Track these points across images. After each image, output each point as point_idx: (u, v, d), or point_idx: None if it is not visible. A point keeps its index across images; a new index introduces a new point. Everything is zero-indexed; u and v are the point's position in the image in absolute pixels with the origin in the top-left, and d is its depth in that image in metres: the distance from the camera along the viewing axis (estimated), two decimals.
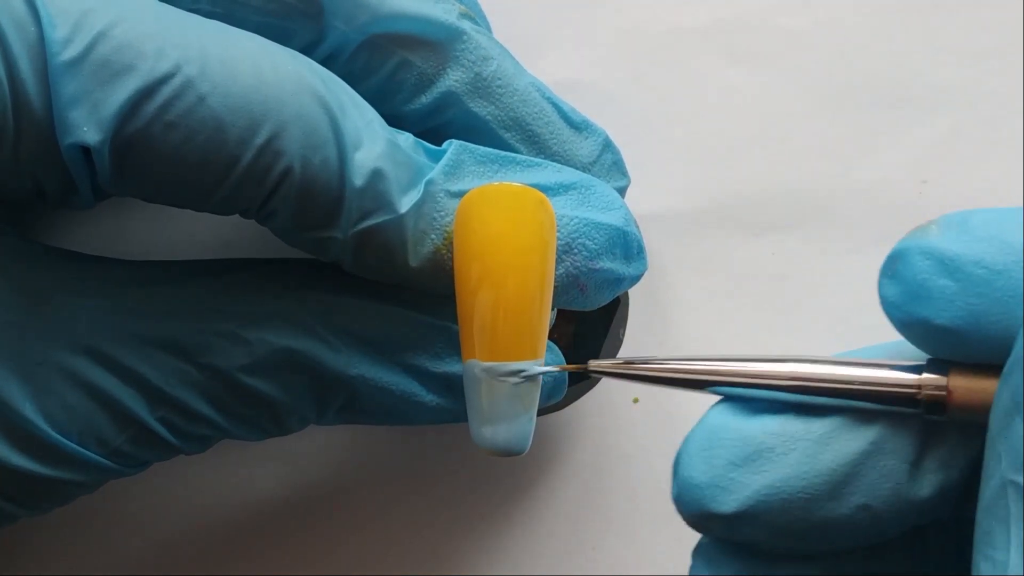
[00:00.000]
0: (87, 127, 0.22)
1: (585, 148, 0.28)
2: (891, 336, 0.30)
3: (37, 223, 0.31)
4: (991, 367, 0.20)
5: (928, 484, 0.21)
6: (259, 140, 0.22)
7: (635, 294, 0.31)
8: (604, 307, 0.28)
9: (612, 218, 0.26)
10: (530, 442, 0.24)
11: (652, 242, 0.33)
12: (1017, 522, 0.17)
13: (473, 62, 0.26)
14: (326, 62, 0.25)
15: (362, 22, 0.25)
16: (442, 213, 0.24)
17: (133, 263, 0.26)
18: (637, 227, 0.27)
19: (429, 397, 0.26)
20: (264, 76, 0.23)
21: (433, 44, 0.26)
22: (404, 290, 0.25)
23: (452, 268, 0.24)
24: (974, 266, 0.19)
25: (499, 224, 0.23)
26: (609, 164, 0.28)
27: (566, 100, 0.28)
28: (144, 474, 0.26)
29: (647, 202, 0.33)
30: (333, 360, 0.25)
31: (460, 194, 0.24)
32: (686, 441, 0.22)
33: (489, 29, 0.28)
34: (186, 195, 0.23)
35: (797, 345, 0.33)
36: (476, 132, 0.26)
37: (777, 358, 0.21)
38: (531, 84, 0.27)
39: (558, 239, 0.25)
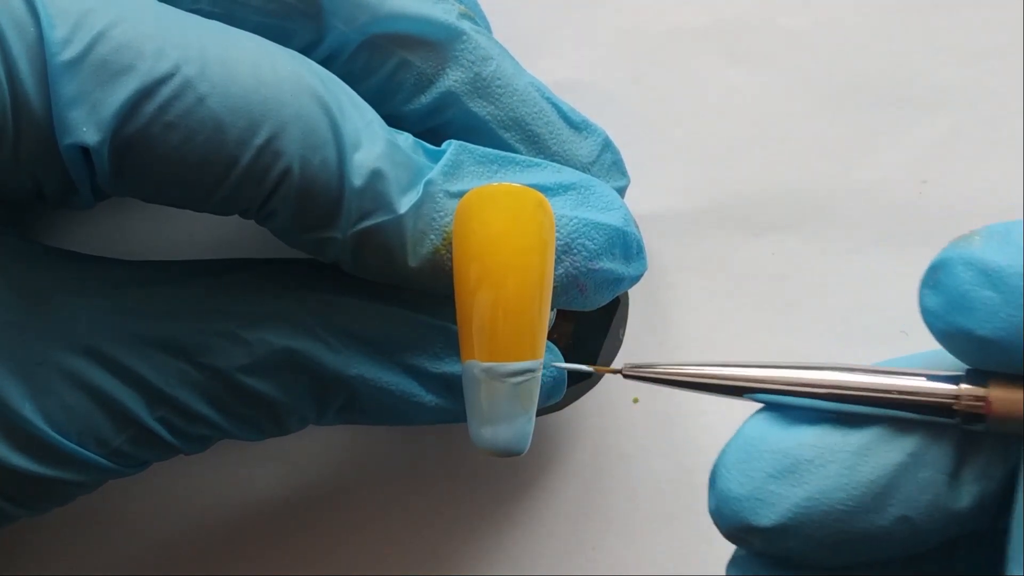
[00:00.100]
0: (86, 127, 0.22)
1: (585, 148, 0.28)
2: (891, 336, 0.30)
3: (37, 223, 0.31)
4: None
5: (967, 495, 0.21)
6: (258, 140, 0.22)
7: (635, 294, 0.31)
8: (604, 307, 0.28)
9: (612, 218, 0.26)
10: (529, 442, 0.24)
11: (652, 242, 0.33)
12: None
13: (473, 62, 0.26)
14: (326, 62, 0.25)
15: (362, 22, 0.25)
16: (441, 213, 0.24)
17: (133, 263, 0.26)
18: (637, 227, 0.27)
19: (428, 397, 0.26)
20: (263, 76, 0.23)
21: (433, 44, 0.26)
22: (403, 290, 0.25)
23: (451, 268, 0.24)
24: (1017, 277, 0.19)
25: (498, 224, 0.23)
26: (609, 164, 0.28)
27: (566, 100, 0.28)
28: (144, 474, 0.26)
29: (647, 202, 0.33)
30: (333, 360, 0.25)
31: (459, 194, 0.24)
32: (723, 453, 0.22)
33: (489, 29, 0.28)
34: (185, 195, 0.23)
35: (797, 345, 0.32)
36: (476, 132, 0.26)
37: (814, 366, 0.21)
38: (531, 84, 0.27)
39: (557, 239, 0.25)
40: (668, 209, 0.33)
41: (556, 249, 0.25)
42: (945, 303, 0.20)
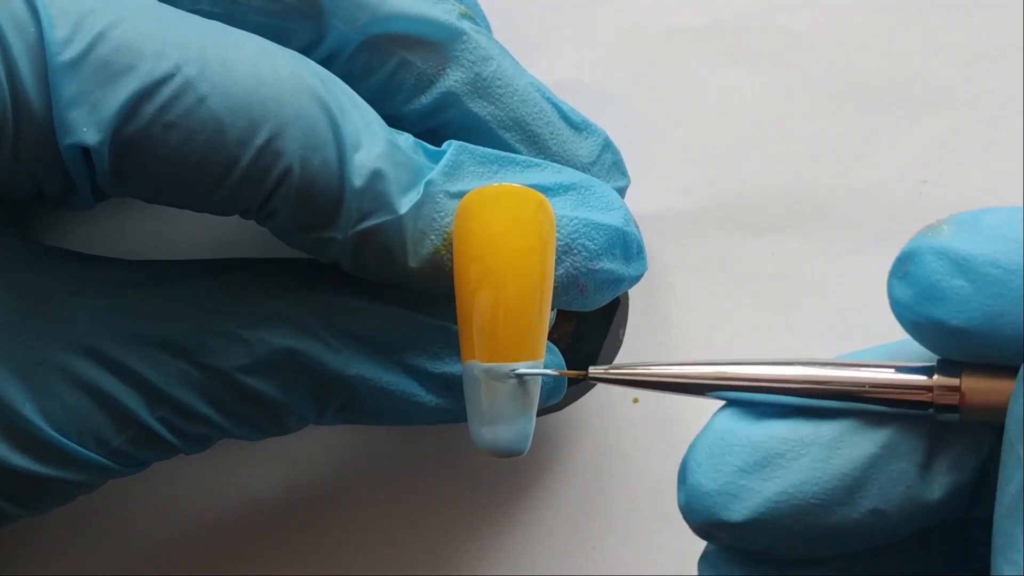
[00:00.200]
0: (87, 127, 0.22)
1: (585, 148, 0.28)
2: (890, 335, 0.30)
3: (37, 223, 0.31)
4: (1003, 368, 0.19)
5: (939, 486, 0.20)
6: (259, 141, 0.22)
7: (635, 294, 0.31)
8: (604, 307, 0.28)
9: (612, 218, 0.26)
10: (529, 443, 0.24)
11: (652, 242, 0.33)
12: None
13: (473, 62, 0.26)
14: (326, 62, 0.25)
15: (362, 22, 0.25)
16: (441, 214, 0.24)
17: (133, 263, 0.26)
18: (637, 227, 0.27)
19: (428, 397, 0.26)
20: (264, 77, 0.23)
21: (433, 44, 0.26)
22: (403, 290, 0.25)
23: (451, 268, 0.24)
24: (989, 266, 0.19)
25: (498, 225, 0.23)
26: (609, 164, 0.28)
27: (566, 100, 0.28)
28: (144, 474, 0.26)
29: (647, 202, 0.33)
30: (332, 360, 0.25)
31: (459, 195, 0.24)
32: (692, 448, 0.22)
33: (489, 29, 0.28)
34: (186, 195, 0.23)
35: (797, 345, 0.32)
36: (476, 132, 0.26)
37: (784, 361, 0.21)
38: (531, 84, 0.27)
39: (558, 240, 0.25)
40: (668, 209, 0.33)
41: (556, 249, 0.25)
42: (915, 294, 0.19)
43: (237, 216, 0.24)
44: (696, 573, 0.26)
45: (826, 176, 0.33)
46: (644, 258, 0.27)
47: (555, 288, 0.25)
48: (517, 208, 0.23)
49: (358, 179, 0.23)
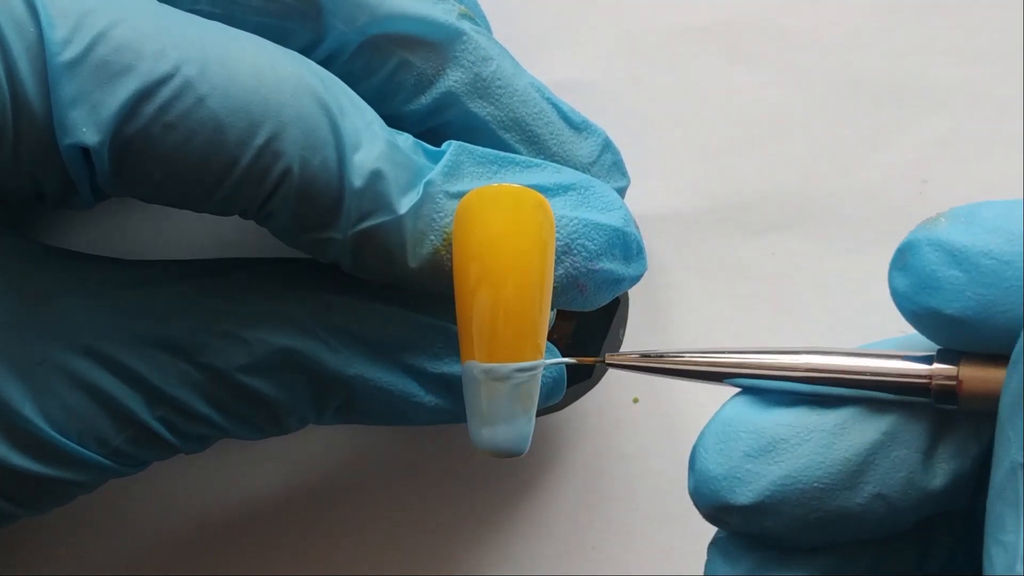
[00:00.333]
0: (86, 128, 0.22)
1: (585, 148, 0.28)
2: (890, 336, 0.30)
3: (37, 223, 0.31)
4: (1000, 357, 0.20)
5: (941, 473, 0.21)
6: (258, 141, 0.22)
7: (635, 294, 0.31)
8: (604, 307, 0.28)
9: (611, 219, 0.26)
10: (529, 443, 0.24)
11: (652, 242, 0.33)
12: None
13: (473, 63, 0.26)
14: (325, 63, 0.25)
15: (362, 23, 0.25)
16: (441, 214, 0.24)
17: (133, 263, 0.26)
18: (637, 227, 0.27)
19: (428, 398, 0.26)
20: (263, 77, 0.23)
21: (433, 45, 0.26)
22: (403, 290, 0.25)
23: (451, 269, 0.24)
24: (982, 257, 0.20)
25: (498, 225, 0.23)
26: (609, 164, 0.28)
27: (566, 100, 0.28)
28: (144, 474, 0.26)
29: (647, 202, 0.33)
30: (332, 360, 0.25)
31: (459, 195, 0.24)
32: (702, 435, 0.22)
33: (489, 29, 0.28)
34: (185, 195, 0.23)
35: (797, 345, 0.32)
36: (476, 133, 0.26)
37: (791, 350, 0.22)
38: (531, 84, 0.27)
39: (557, 240, 0.25)
40: (668, 209, 0.33)
41: (556, 249, 0.25)
42: (913, 284, 0.20)
43: (237, 216, 0.24)
44: (695, 574, 0.26)
45: (826, 176, 0.33)
46: (644, 258, 0.27)
47: (555, 288, 0.25)
48: (516, 208, 0.23)
49: (358, 179, 0.23)
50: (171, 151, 0.22)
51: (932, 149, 0.33)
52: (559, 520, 0.32)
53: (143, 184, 0.23)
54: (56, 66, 0.22)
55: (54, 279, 0.24)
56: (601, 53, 0.33)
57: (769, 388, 0.22)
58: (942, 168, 0.33)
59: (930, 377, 0.21)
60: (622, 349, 0.30)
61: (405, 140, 0.25)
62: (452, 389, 0.26)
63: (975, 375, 0.20)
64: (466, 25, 0.26)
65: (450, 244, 0.24)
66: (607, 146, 0.28)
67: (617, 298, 0.29)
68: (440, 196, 0.24)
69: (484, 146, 0.26)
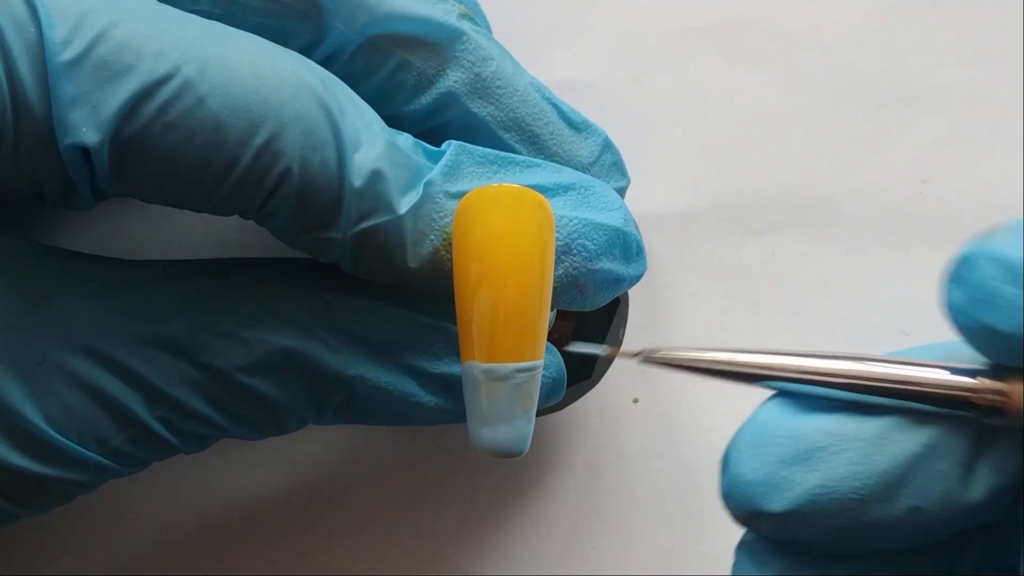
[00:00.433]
0: (86, 128, 0.22)
1: (585, 148, 0.28)
2: (891, 336, 0.30)
3: (37, 223, 0.31)
4: None
5: (980, 488, 0.21)
6: (258, 141, 0.22)
7: (635, 294, 0.31)
8: (604, 307, 0.28)
9: (611, 218, 0.26)
10: (529, 443, 0.24)
11: (652, 242, 0.33)
12: None
13: (473, 63, 0.26)
14: (325, 63, 0.25)
15: (361, 23, 0.25)
16: (441, 214, 0.24)
17: (133, 263, 0.26)
18: (637, 227, 0.27)
19: (428, 398, 0.26)
20: (263, 77, 0.23)
21: (433, 45, 0.26)
22: (403, 290, 0.25)
23: (451, 269, 0.24)
24: None
25: (498, 226, 0.23)
26: (609, 164, 0.28)
27: (566, 100, 0.28)
28: (144, 474, 0.26)
29: (647, 202, 0.33)
30: (332, 360, 0.25)
31: (459, 195, 0.24)
32: (736, 437, 0.22)
33: (489, 29, 0.28)
34: (185, 196, 0.23)
35: (797, 345, 0.32)
36: (475, 133, 0.26)
37: (831, 355, 0.21)
38: (531, 84, 0.27)
39: (557, 240, 0.25)
40: (668, 209, 0.33)
41: (556, 249, 0.25)
42: (969, 298, 0.20)
43: (237, 216, 0.24)
44: (695, 574, 0.26)
45: (826, 176, 0.33)
46: (644, 258, 0.27)
47: (555, 288, 0.25)
48: (516, 209, 0.23)
49: (358, 179, 0.23)
50: (171, 151, 0.22)
51: (932, 149, 0.33)
52: (559, 520, 0.32)
53: (143, 184, 0.23)
54: (56, 66, 0.22)
55: (54, 279, 0.24)
56: (601, 53, 0.33)
57: (809, 394, 0.21)
58: (942, 168, 0.33)
59: (977, 391, 0.20)
60: (622, 349, 0.30)
61: (405, 140, 0.25)
62: (452, 389, 0.26)
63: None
64: (466, 25, 0.26)
65: (450, 244, 0.24)
66: (607, 146, 0.28)
67: (617, 298, 0.29)
68: (440, 196, 0.24)
69: (484, 146, 0.26)
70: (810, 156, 0.33)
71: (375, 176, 0.23)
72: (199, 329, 0.24)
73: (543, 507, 0.32)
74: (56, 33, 0.22)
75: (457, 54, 0.26)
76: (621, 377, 0.32)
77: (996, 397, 0.20)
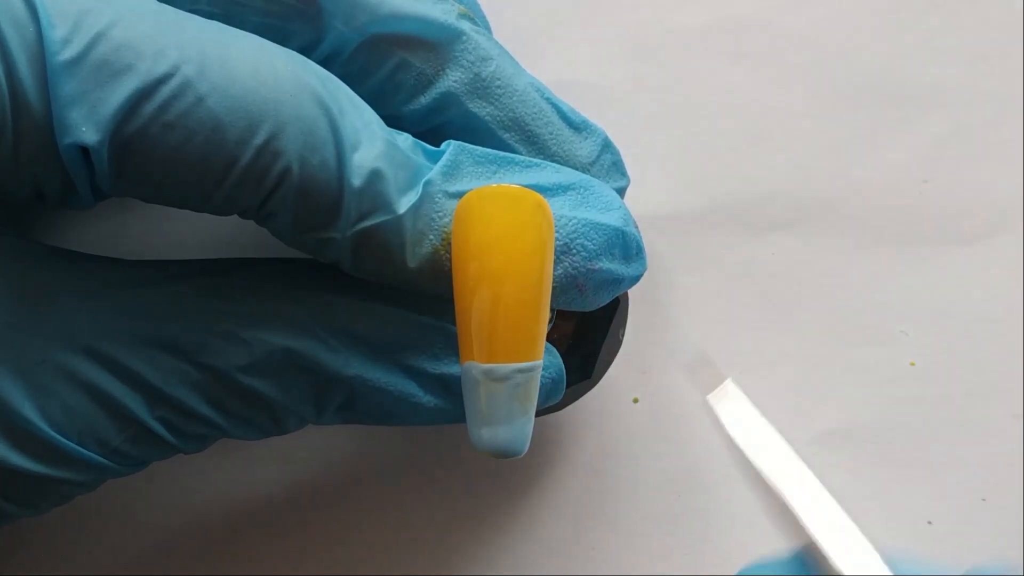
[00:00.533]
0: (86, 127, 0.22)
1: (584, 148, 0.28)
2: (891, 336, 0.30)
3: (37, 223, 0.31)
4: None
5: None
6: (258, 140, 0.22)
7: (635, 294, 0.31)
8: (604, 307, 0.28)
9: (611, 218, 0.26)
10: (529, 443, 0.24)
11: (652, 242, 0.33)
12: None
13: (472, 63, 0.26)
14: (325, 63, 0.25)
15: (361, 23, 0.25)
16: (440, 214, 0.24)
17: (133, 263, 0.26)
18: (636, 227, 0.27)
19: (427, 398, 0.26)
20: (263, 77, 0.23)
21: (432, 45, 0.26)
22: (403, 291, 0.25)
23: (450, 269, 0.24)
24: None
25: (497, 226, 0.23)
26: (608, 164, 0.28)
27: (566, 100, 0.28)
28: (144, 474, 0.27)
29: (647, 202, 0.33)
30: (331, 360, 0.25)
31: (458, 195, 0.24)
32: None
33: (489, 29, 0.28)
34: (185, 195, 0.23)
35: (797, 345, 0.32)
36: (475, 133, 0.26)
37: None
38: (530, 84, 0.27)
39: (557, 240, 0.25)
40: (668, 209, 0.33)
41: (555, 249, 0.25)
42: None
43: (237, 216, 0.24)
44: (696, 574, 0.26)
45: (826, 176, 0.33)
46: (644, 258, 0.27)
47: (554, 288, 0.25)
48: (516, 209, 0.23)
49: (357, 179, 0.23)
50: (170, 151, 0.22)
51: (932, 149, 0.33)
52: (559, 520, 0.32)
53: (143, 184, 0.23)
54: (55, 65, 0.22)
55: (54, 279, 0.24)
56: (601, 53, 0.33)
57: None
58: (942, 168, 0.33)
59: None
60: (622, 349, 0.30)
61: (404, 140, 0.25)
62: (451, 389, 0.26)
63: None
64: (466, 25, 0.26)
65: (449, 244, 0.24)
66: (607, 146, 0.28)
67: (617, 298, 0.29)
68: (439, 196, 0.24)
69: (484, 146, 0.26)
70: (810, 156, 0.33)
71: (374, 176, 0.23)
72: (199, 329, 0.24)
73: (543, 507, 0.32)
74: (55, 32, 0.22)
75: (457, 54, 0.26)
76: (621, 377, 0.32)
77: None
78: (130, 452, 0.24)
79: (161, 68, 0.22)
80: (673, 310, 0.33)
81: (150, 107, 0.22)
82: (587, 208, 0.26)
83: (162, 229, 0.31)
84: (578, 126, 0.28)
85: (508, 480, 0.32)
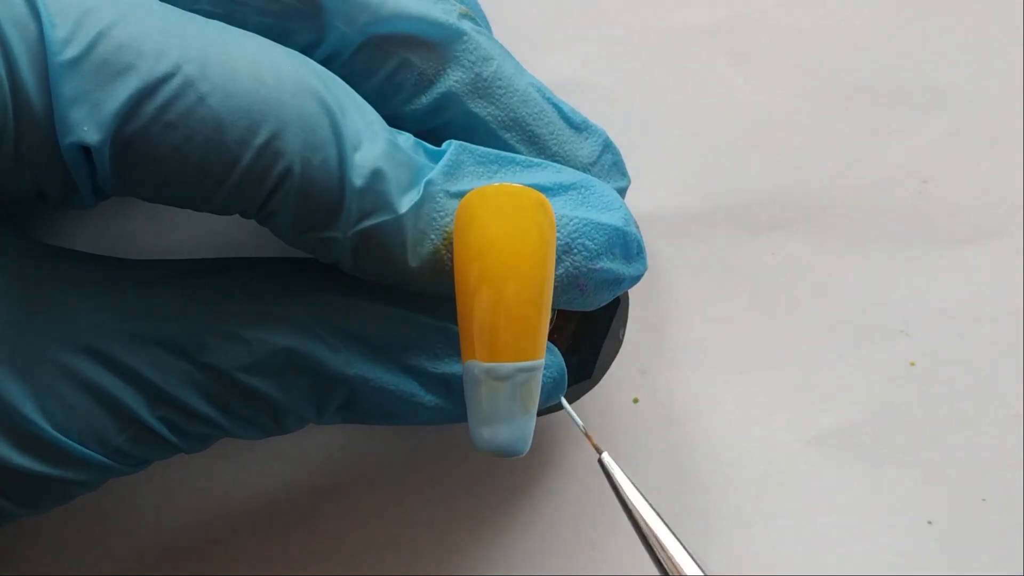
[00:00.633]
0: (87, 127, 0.22)
1: (585, 148, 0.28)
2: (891, 336, 0.30)
3: (37, 223, 0.31)
4: None
5: None
6: (259, 140, 0.22)
7: (635, 294, 0.31)
8: (604, 307, 0.28)
9: (612, 218, 0.26)
10: (529, 443, 0.24)
11: (652, 242, 0.33)
12: None
13: (473, 63, 0.26)
14: (326, 62, 0.25)
15: (362, 22, 0.25)
16: (441, 214, 0.24)
17: (133, 263, 0.26)
18: (637, 227, 0.27)
19: (428, 398, 0.26)
20: (264, 76, 0.23)
21: (433, 45, 0.26)
22: (404, 290, 0.25)
23: (452, 269, 0.24)
24: None
25: (498, 225, 0.23)
26: (609, 164, 0.28)
27: (566, 100, 0.28)
28: (144, 474, 0.27)
29: (647, 202, 0.33)
30: (332, 360, 0.25)
31: (460, 194, 0.24)
32: None
33: (489, 29, 0.28)
34: (186, 195, 0.23)
35: (797, 345, 0.33)
36: (476, 132, 0.26)
37: None
38: (531, 84, 0.27)
39: (558, 239, 0.25)
40: (668, 209, 0.33)
41: (556, 249, 0.25)
42: None
43: (237, 216, 0.24)
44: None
45: (826, 176, 0.33)
46: (644, 258, 0.27)
47: (555, 288, 0.25)
48: (517, 208, 0.23)
49: (358, 179, 0.23)
50: (172, 150, 0.22)
51: (932, 149, 0.33)
52: (559, 520, 0.32)
53: (144, 183, 0.23)
54: (57, 65, 0.22)
55: (54, 279, 0.24)
56: (601, 53, 0.33)
57: None
58: (942, 168, 0.33)
59: None
60: (622, 349, 0.30)
61: (406, 139, 0.25)
62: (452, 389, 0.26)
63: None
64: (467, 25, 0.26)
65: (451, 244, 0.24)
66: (607, 146, 0.28)
67: (617, 298, 0.29)
68: (440, 195, 0.24)
69: (485, 146, 0.26)
70: (810, 156, 0.33)
71: (376, 175, 0.23)
72: (200, 329, 0.24)
73: (543, 507, 0.32)
74: (57, 32, 0.22)
75: (458, 54, 0.26)
76: (621, 377, 0.32)
77: None
78: (131, 451, 0.24)
79: (163, 67, 0.22)
80: (673, 310, 0.33)
81: (151, 107, 0.22)
82: (588, 208, 0.26)
83: (162, 229, 0.31)
84: (579, 126, 0.28)
85: (508, 480, 0.32)
